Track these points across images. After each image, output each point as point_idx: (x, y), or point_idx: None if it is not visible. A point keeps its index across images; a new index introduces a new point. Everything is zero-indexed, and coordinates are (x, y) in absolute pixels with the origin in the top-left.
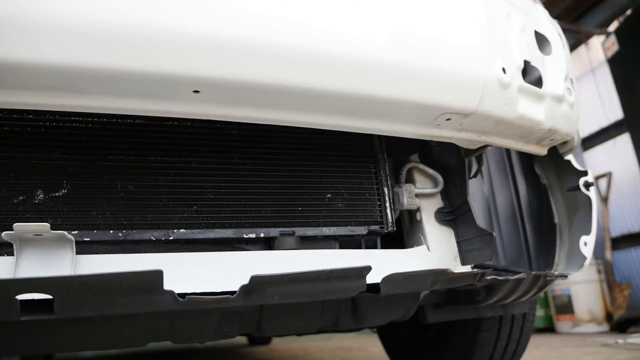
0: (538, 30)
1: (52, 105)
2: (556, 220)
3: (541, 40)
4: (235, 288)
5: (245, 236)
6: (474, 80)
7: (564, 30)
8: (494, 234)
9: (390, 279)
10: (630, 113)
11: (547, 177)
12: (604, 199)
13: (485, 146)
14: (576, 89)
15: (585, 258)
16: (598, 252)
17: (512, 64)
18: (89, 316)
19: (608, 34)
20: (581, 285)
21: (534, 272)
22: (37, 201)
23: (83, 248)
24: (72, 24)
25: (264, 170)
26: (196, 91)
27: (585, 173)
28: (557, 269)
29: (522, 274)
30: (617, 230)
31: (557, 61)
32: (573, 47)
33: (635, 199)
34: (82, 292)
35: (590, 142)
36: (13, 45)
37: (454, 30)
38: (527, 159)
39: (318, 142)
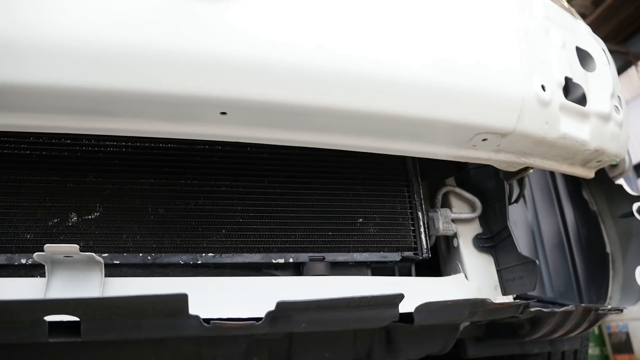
0: (580, 46)
1: (85, 129)
2: (608, 249)
3: (584, 57)
4: (263, 314)
5: (273, 261)
6: (510, 99)
7: (612, 52)
8: (537, 261)
9: (425, 308)
10: None
11: (596, 202)
12: None
13: (526, 169)
14: (625, 107)
15: None
16: None
17: (552, 81)
18: (115, 340)
19: None
20: None
21: (583, 305)
22: (70, 224)
23: (113, 271)
24: (100, 48)
25: (294, 193)
26: (223, 113)
27: (639, 198)
28: (611, 302)
29: (570, 306)
30: None
31: (602, 78)
32: (622, 69)
33: None
34: (108, 315)
35: None
36: (47, 69)
37: (488, 47)
38: (573, 183)
39: (350, 166)
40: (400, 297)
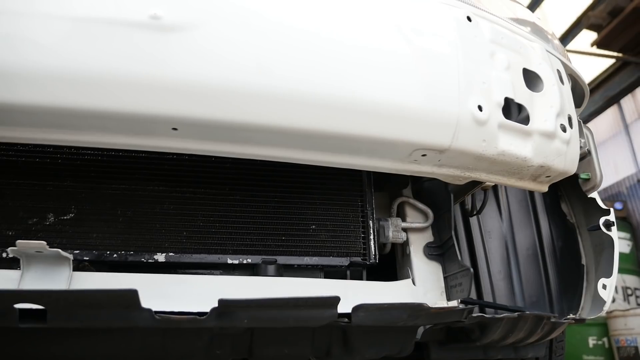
0: (528, 68)
1: (53, 140)
2: (583, 261)
3: (532, 78)
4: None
5: (229, 262)
6: (444, 118)
7: (627, 63)
8: (470, 269)
9: (361, 308)
10: None
11: (575, 215)
12: None
13: (476, 183)
14: (575, 125)
15: (604, 302)
16: None
17: (491, 102)
18: (77, 327)
19: None
20: None
21: (535, 313)
22: (48, 223)
23: (84, 266)
24: (67, 73)
25: (253, 200)
26: (174, 128)
27: (607, 212)
28: (582, 313)
29: (515, 313)
30: None
31: (549, 98)
32: (639, 81)
33: None
34: (69, 305)
35: None
36: (22, 90)
37: (424, 70)
38: (552, 196)
39: (308, 176)
40: (336, 299)
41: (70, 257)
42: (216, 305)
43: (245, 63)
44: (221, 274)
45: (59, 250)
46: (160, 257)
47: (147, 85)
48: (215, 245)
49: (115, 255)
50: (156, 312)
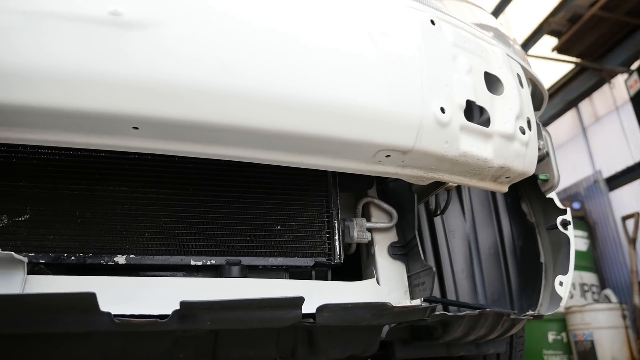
0: (489, 71)
1: (6, 139)
2: (542, 259)
3: (493, 81)
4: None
5: (192, 263)
6: (408, 119)
7: (585, 68)
8: (433, 268)
9: (325, 308)
10: None
11: (534, 215)
12: (632, 240)
13: (439, 184)
14: (534, 128)
15: (560, 298)
16: (624, 296)
17: (453, 104)
18: (32, 333)
19: (631, 72)
20: (604, 330)
21: (495, 310)
22: (1, 225)
23: (39, 269)
24: (21, 69)
25: (216, 201)
26: (135, 127)
27: (564, 212)
28: (541, 309)
29: (476, 311)
30: None
31: (509, 100)
32: (596, 85)
33: None
34: (23, 310)
35: (616, 181)
36: None
37: (388, 72)
38: (513, 197)
39: (272, 176)
40: (300, 300)
41: (25, 260)
42: (178, 307)
43: (208, 62)
44: (184, 276)
45: (12, 253)
46: (121, 259)
47: (106, 82)
48: (178, 247)
49: (73, 257)
50: (115, 316)
